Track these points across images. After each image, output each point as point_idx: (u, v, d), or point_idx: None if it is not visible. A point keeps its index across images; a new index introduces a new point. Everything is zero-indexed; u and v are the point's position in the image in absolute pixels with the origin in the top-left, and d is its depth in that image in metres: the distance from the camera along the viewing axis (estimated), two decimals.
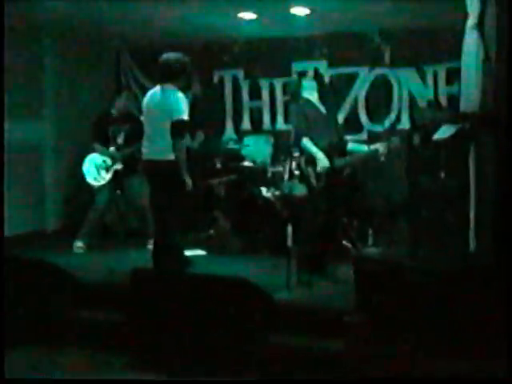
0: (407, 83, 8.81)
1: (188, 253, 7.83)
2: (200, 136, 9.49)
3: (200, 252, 7.98)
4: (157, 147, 6.25)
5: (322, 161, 6.41)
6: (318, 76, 7.05)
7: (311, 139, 6.49)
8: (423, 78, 8.73)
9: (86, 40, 9.49)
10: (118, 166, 8.14)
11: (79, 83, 9.54)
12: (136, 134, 7.82)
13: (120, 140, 8.22)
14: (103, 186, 8.20)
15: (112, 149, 8.15)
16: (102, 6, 7.64)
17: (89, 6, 7.63)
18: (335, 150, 6.55)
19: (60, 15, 8.09)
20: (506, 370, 3.99)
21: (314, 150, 6.45)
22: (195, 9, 7.81)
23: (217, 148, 9.11)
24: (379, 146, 6.45)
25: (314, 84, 6.82)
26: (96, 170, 8.22)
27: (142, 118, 6.69)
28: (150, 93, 6.55)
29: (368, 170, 8.07)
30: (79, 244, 8.18)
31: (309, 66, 9.13)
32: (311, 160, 6.43)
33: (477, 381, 4.19)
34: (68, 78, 9.45)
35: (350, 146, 6.75)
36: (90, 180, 8.23)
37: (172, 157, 6.14)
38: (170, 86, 6.27)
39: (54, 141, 9.37)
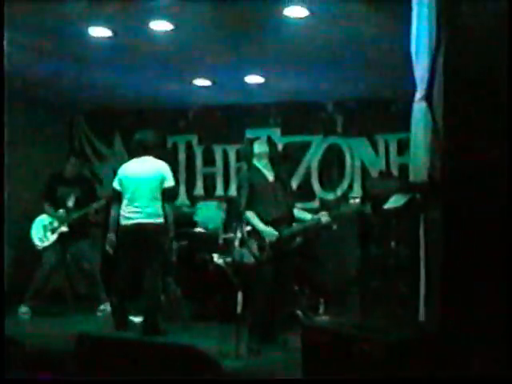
0: (359, 152, 8.96)
1: (137, 319, 7.74)
2: None
3: None
4: (149, 212, 6.94)
5: (265, 232, 6.33)
6: (270, 142, 6.96)
7: (256, 209, 6.41)
8: (375, 147, 8.89)
9: (40, 102, 9.47)
10: (64, 228, 8.08)
11: (32, 146, 9.49)
12: (86, 197, 7.89)
13: (70, 203, 8.18)
14: (50, 247, 8.18)
15: (61, 211, 8.10)
16: (59, 70, 7.68)
17: (46, 70, 7.67)
18: (282, 219, 6.46)
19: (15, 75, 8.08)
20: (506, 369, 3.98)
21: (255, 222, 6.37)
22: (151, 74, 7.88)
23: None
24: (322, 216, 6.38)
25: (264, 149, 6.68)
26: (42, 230, 8.22)
27: (118, 187, 7.16)
28: (130, 164, 7.19)
29: (319, 239, 8.12)
30: (24, 309, 8.05)
31: (262, 134, 9.16)
32: (255, 231, 6.39)
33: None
34: (21, 139, 9.39)
35: (296, 212, 6.66)
36: (36, 240, 8.24)
37: (161, 220, 6.95)
38: (151, 158, 7.09)
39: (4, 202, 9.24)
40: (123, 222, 7.03)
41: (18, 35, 6.57)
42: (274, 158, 6.73)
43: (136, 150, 7.19)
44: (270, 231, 6.34)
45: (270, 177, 6.61)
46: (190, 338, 6.48)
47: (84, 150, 10.44)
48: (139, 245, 7.01)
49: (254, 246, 6.31)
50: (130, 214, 6.99)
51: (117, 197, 7.15)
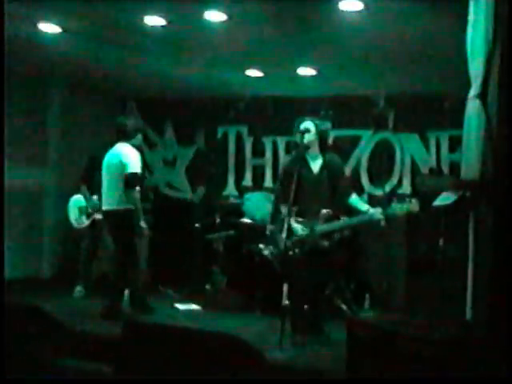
0: (410, 148, 8.87)
1: (182, 307, 7.82)
2: (201, 190, 9.56)
3: (195, 306, 7.94)
4: (111, 198, 7.05)
5: (295, 229, 6.20)
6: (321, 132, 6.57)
7: (296, 203, 6.17)
8: (426, 144, 8.79)
9: (93, 88, 9.60)
10: (98, 216, 8.05)
11: (83, 131, 9.61)
12: None
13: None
14: (85, 232, 8.33)
15: (95, 197, 8.12)
16: (111, 56, 7.75)
17: (97, 55, 7.75)
18: (322, 213, 6.23)
19: (66, 62, 8.21)
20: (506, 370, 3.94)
21: (286, 217, 6.15)
22: (204, 63, 7.90)
23: (217, 203, 9.15)
24: (374, 214, 6.10)
25: (314, 139, 6.42)
26: (78, 212, 8.31)
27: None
28: (109, 151, 7.21)
29: (367, 234, 8.08)
30: (78, 289, 8.26)
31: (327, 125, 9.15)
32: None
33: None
34: (72, 125, 9.53)
35: (352, 200, 6.37)
36: (72, 219, 8.38)
37: (125, 206, 6.91)
38: (124, 144, 7.08)
39: (53, 187, 9.41)
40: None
41: (72, 24, 6.69)
42: (325, 147, 6.51)
43: (116, 135, 7.24)
44: (297, 228, 6.22)
45: (317, 168, 6.42)
46: (234, 328, 6.50)
47: None
48: (109, 232, 7.36)
49: (284, 241, 6.18)
50: (101, 202, 7.28)
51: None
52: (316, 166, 6.42)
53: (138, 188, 6.93)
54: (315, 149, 6.43)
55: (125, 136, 7.12)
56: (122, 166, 6.92)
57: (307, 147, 6.40)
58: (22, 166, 8.61)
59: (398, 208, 5.98)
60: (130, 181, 6.89)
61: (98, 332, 6.38)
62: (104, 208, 7.19)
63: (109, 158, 7.13)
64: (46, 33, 6.89)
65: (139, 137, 7.26)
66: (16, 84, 8.36)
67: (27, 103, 8.81)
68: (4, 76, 6.73)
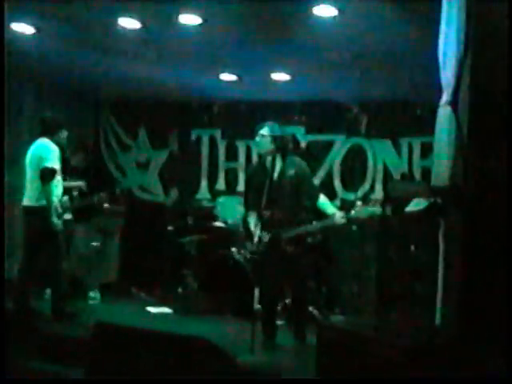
0: (382, 154, 8.93)
1: (154, 310, 7.80)
2: (174, 193, 9.54)
3: (166, 310, 7.93)
4: (31, 194, 7.05)
5: (257, 234, 6.24)
6: (275, 137, 6.43)
7: (257, 208, 6.23)
8: (398, 149, 8.85)
9: (65, 90, 9.55)
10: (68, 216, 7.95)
11: None
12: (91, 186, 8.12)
13: (75, 191, 8.16)
14: None
15: (65, 198, 8.05)
16: (85, 58, 7.72)
17: (71, 57, 7.72)
18: (285, 219, 6.20)
19: (39, 64, 8.16)
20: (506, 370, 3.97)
21: (249, 223, 6.33)
22: (178, 66, 7.90)
23: (190, 206, 9.14)
24: (336, 217, 6.06)
25: (268, 145, 6.33)
26: None
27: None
28: (30, 147, 7.23)
29: (339, 238, 8.11)
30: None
31: (287, 131, 9.10)
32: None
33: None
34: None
35: (321, 204, 6.33)
36: None
37: (40, 203, 6.92)
38: (43, 140, 7.08)
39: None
40: None
41: (48, 25, 6.64)
42: (284, 153, 6.40)
43: (38, 131, 7.29)
44: (259, 233, 6.23)
45: (275, 174, 6.31)
46: (205, 332, 6.49)
47: (108, 140, 10.53)
48: (27, 229, 7.21)
49: (254, 246, 6.23)
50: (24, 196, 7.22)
51: None
52: (276, 171, 6.31)
53: (56, 183, 6.94)
54: (274, 154, 6.32)
55: (47, 132, 7.13)
56: (38, 160, 6.96)
57: (262, 153, 6.45)
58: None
59: (360, 211, 5.98)
60: (45, 175, 6.89)
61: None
62: (23, 204, 7.17)
63: (29, 153, 7.16)
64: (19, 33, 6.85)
65: (63, 133, 7.25)
66: None
67: None
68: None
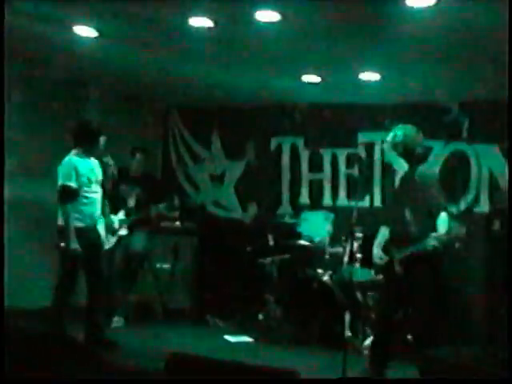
0: (488, 161, 8.73)
1: (233, 339, 7.83)
2: (253, 208, 9.58)
3: (246, 338, 7.95)
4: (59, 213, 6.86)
5: (374, 255, 6.16)
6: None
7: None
8: (505, 155, 8.64)
9: (136, 98, 9.72)
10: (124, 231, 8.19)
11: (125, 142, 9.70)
12: (149, 197, 8.29)
13: (131, 202, 8.33)
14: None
15: (121, 213, 8.21)
16: (152, 61, 7.85)
17: (137, 61, 7.85)
18: (406, 237, 6.01)
19: (103, 68, 8.34)
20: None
21: (376, 241, 6.20)
22: (255, 69, 7.93)
23: (270, 223, 9.14)
24: (431, 242, 5.82)
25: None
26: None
27: None
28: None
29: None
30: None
31: (376, 138, 9.02)
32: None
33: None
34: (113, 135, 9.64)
35: (441, 220, 6.04)
36: None
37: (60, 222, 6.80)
38: (72, 152, 6.93)
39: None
40: None
41: (113, 26, 6.78)
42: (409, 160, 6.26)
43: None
44: (376, 254, 6.18)
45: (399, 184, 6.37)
46: (291, 363, 6.48)
47: (178, 150, 10.64)
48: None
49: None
50: None
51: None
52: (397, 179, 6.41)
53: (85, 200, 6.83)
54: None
55: (79, 141, 6.95)
56: (59, 177, 6.85)
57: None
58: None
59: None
60: (59, 194, 6.82)
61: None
62: (58, 223, 6.94)
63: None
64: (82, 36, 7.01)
65: (100, 141, 7.01)
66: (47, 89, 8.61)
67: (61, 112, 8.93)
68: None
